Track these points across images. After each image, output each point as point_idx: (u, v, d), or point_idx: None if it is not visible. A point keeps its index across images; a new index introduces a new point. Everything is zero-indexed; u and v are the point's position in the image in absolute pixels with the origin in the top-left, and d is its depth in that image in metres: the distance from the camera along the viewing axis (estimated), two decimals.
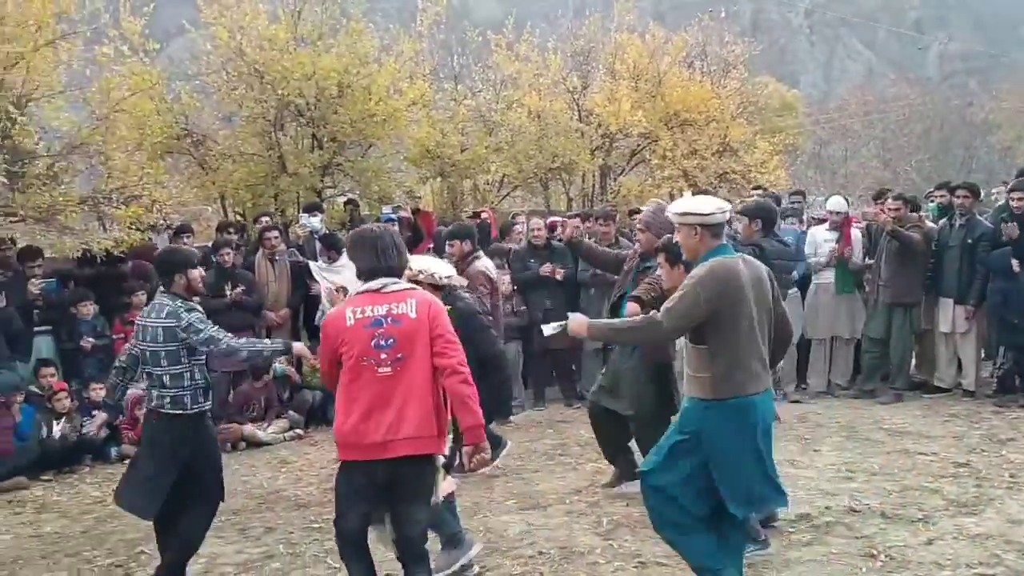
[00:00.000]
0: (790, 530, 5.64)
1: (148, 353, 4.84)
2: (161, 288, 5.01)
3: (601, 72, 14.81)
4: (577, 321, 4.43)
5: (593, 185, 14.68)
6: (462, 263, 6.90)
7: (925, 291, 9.08)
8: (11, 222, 8.55)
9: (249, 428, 8.44)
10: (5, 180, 7.86)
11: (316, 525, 6.02)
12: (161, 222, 9.31)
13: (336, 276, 8.38)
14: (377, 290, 4.15)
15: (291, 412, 8.81)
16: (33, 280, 7.99)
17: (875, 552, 5.23)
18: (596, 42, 14.88)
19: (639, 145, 14.60)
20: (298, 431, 8.65)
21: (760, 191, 10.94)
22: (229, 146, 11.33)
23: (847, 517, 5.86)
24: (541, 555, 5.40)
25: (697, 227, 4.19)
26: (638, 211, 10.95)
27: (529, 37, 14.04)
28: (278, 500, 6.59)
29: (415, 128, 12.31)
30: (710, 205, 4.23)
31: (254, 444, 8.35)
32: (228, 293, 8.70)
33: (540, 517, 6.04)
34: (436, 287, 5.10)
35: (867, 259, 9.35)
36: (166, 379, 4.82)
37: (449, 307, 4.60)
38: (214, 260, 8.98)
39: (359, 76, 11.23)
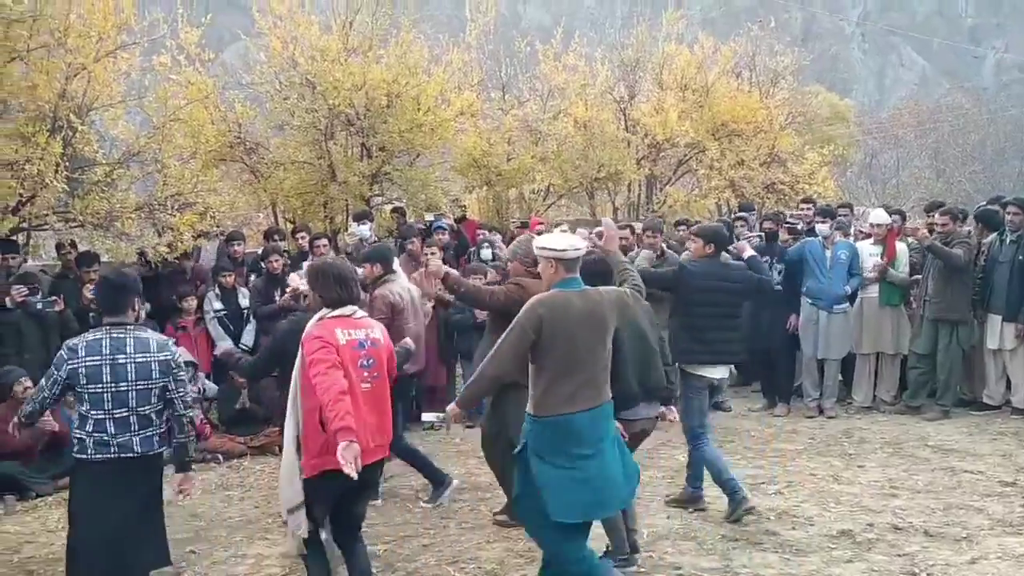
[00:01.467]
0: (831, 546, 5.64)
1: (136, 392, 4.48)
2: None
3: (648, 82, 14.83)
4: (449, 409, 4.89)
5: (639, 195, 14.71)
6: (372, 286, 6.94)
7: (972, 307, 8.97)
8: (71, 227, 8.81)
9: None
10: (66, 187, 8.09)
11: (364, 529, 6.11)
12: (214, 229, 9.52)
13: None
14: (349, 316, 4.59)
15: None
16: (88, 285, 8.20)
17: (917, 571, 5.22)
18: (644, 52, 14.90)
19: (686, 155, 14.60)
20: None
21: (809, 203, 10.86)
22: (281, 154, 11.54)
23: (890, 534, 5.85)
24: None
25: (553, 260, 4.62)
26: (685, 222, 11.01)
27: (577, 47, 14.09)
28: None
29: (462, 138, 12.44)
30: (565, 243, 4.68)
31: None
32: (277, 299, 8.86)
33: None
34: None
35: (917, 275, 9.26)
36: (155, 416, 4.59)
37: None
38: (263, 267, 9.17)
39: (408, 86, 11.38)
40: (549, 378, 4.50)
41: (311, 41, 11.36)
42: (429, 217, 11.04)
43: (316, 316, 4.63)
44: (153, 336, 4.64)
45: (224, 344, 8.67)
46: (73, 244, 9.01)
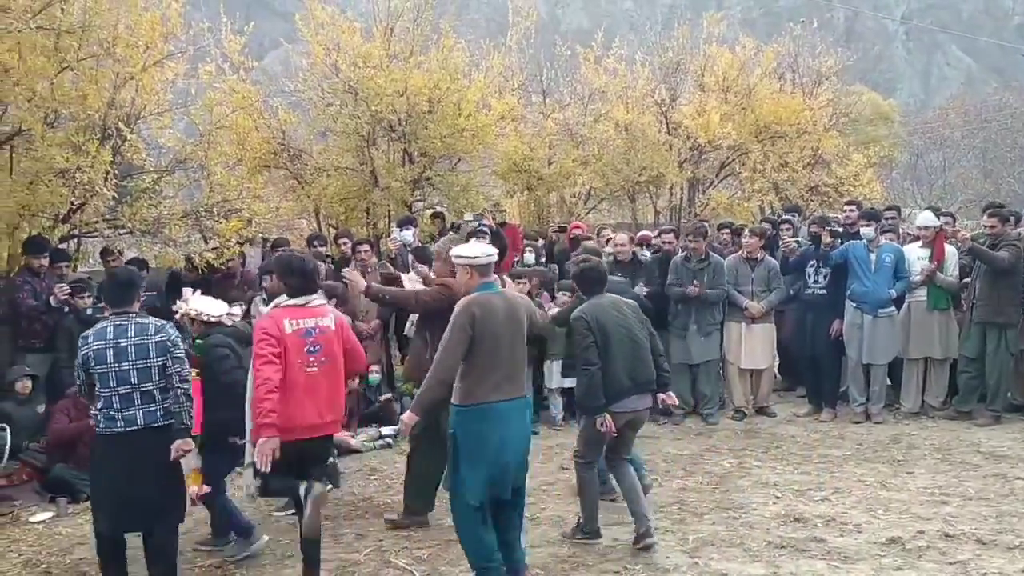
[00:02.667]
0: (880, 554, 5.57)
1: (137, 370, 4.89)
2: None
3: (690, 84, 14.74)
4: (403, 418, 5.23)
5: (681, 198, 14.62)
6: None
7: (1022, 310, 8.79)
8: (119, 234, 8.96)
9: (341, 435, 8.60)
10: (115, 194, 8.23)
11: (405, 533, 6.14)
12: (260, 235, 9.62)
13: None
14: (303, 305, 5.15)
15: (377, 425, 8.94)
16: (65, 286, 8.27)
17: None
18: (685, 54, 14.82)
19: (728, 158, 14.49)
20: (388, 440, 8.81)
21: (853, 205, 10.72)
22: (324, 160, 11.65)
23: (940, 542, 5.75)
24: (627, 570, 5.43)
25: (469, 268, 5.16)
26: (729, 225, 10.92)
27: (618, 50, 14.06)
28: (368, 508, 6.74)
29: (503, 142, 12.46)
30: (479, 251, 5.23)
31: (344, 452, 8.52)
32: None
33: (625, 533, 6.05)
34: (207, 323, 5.88)
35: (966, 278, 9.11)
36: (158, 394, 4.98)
37: (201, 339, 5.82)
38: None
39: (449, 92, 11.44)
40: (478, 372, 4.97)
41: (353, 48, 11.45)
42: (468, 217, 11.06)
43: (272, 304, 5.23)
44: (152, 321, 5.07)
45: None
46: (120, 251, 9.14)
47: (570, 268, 9.40)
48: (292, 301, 5.15)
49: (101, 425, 4.92)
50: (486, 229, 10.21)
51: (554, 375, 9.04)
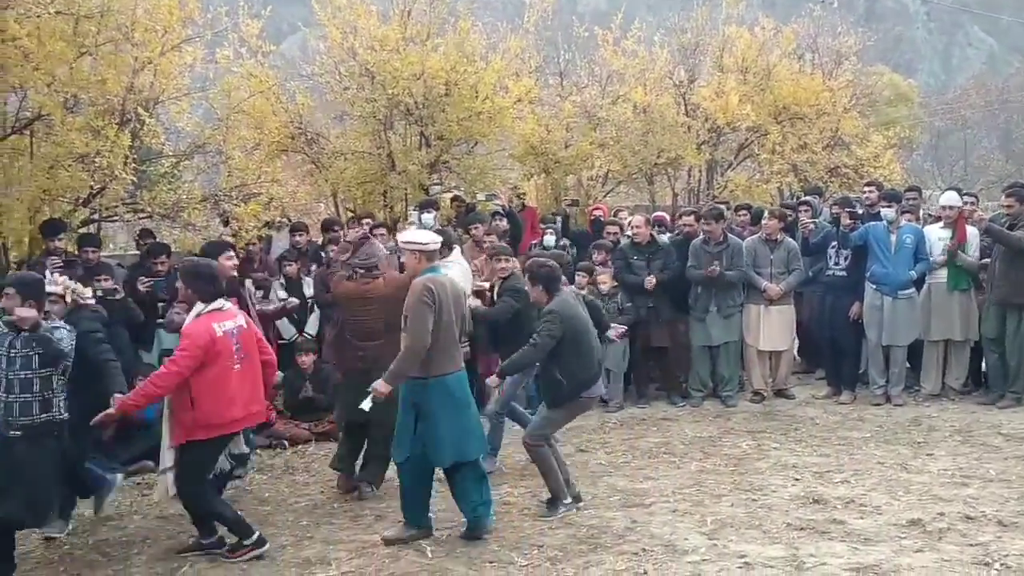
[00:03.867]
0: (901, 536, 5.55)
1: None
2: None
3: (708, 66, 14.62)
4: (376, 386, 5.55)
5: (699, 180, 14.53)
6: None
7: None
8: (139, 218, 9.01)
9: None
10: (134, 178, 8.27)
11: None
12: (280, 219, 9.64)
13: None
14: (219, 308, 5.52)
15: None
16: (142, 278, 8.30)
17: (990, 561, 5.11)
18: (704, 35, 14.70)
19: (747, 139, 14.36)
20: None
21: (873, 186, 10.63)
22: (341, 144, 11.63)
23: (961, 524, 5.73)
24: (645, 552, 5.44)
25: (418, 253, 5.71)
26: (747, 207, 10.87)
27: (636, 32, 13.96)
28: (387, 490, 6.76)
29: (520, 125, 12.41)
30: (427, 238, 5.81)
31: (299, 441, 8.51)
32: None
33: (644, 514, 6.08)
34: (78, 305, 6.16)
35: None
36: None
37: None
38: (323, 256, 9.27)
39: (466, 74, 11.38)
40: (438, 346, 5.52)
41: (370, 31, 11.40)
42: (481, 197, 11.04)
43: (193, 312, 5.52)
44: None
45: None
46: (151, 233, 9.19)
47: (592, 251, 9.43)
48: (212, 307, 5.50)
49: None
50: (502, 210, 10.25)
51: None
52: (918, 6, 66.64)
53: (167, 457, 5.50)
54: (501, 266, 7.54)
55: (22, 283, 5.55)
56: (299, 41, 14.11)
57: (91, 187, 8.23)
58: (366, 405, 5.60)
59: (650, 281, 8.99)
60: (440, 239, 5.97)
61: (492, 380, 6.51)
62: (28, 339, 5.34)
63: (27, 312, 5.38)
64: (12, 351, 5.31)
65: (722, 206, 10.34)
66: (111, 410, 5.33)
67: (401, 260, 6.89)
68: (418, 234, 5.91)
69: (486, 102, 11.41)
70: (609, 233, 9.90)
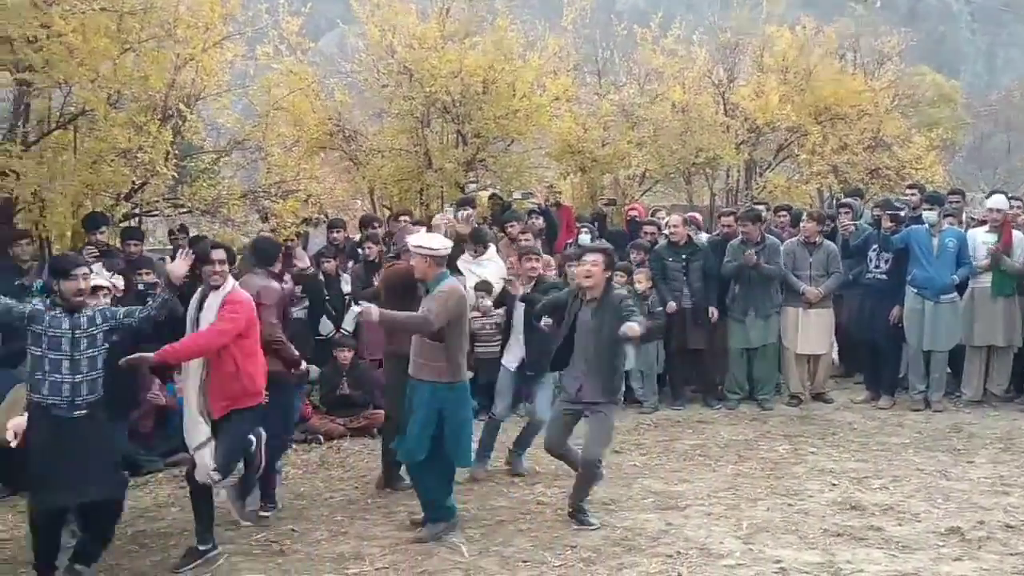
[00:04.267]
0: (939, 544, 5.48)
1: None
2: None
3: (748, 65, 14.50)
4: (367, 308, 5.41)
5: (738, 180, 14.42)
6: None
7: None
8: (179, 213, 9.09)
9: None
10: (175, 174, 8.35)
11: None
12: (317, 215, 9.69)
13: (481, 269, 8.49)
14: None
15: None
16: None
17: None
18: (743, 35, 14.58)
19: (787, 140, 14.22)
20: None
21: (915, 189, 10.48)
22: (378, 142, 11.68)
23: (1001, 532, 5.65)
24: (679, 555, 5.40)
25: (428, 258, 5.62)
26: (787, 208, 10.76)
27: (676, 31, 13.88)
28: None
29: (557, 123, 12.39)
30: (439, 243, 5.74)
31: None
32: (375, 283, 8.97)
33: (678, 517, 6.04)
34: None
35: None
36: None
37: None
38: (360, 253, 9.31)
39: (503, 72, 11.39)
40: (462, 352, 5.73)
41: (408, 29, 11.45)
42: (517, 195, 11.02)
43: (229, 283, 5.50)
44: None
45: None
46: (184, 229, 9.29)
47: (630, 251, 9.37)
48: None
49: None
50: (537, 208, 10.23)
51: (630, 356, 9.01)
52: (961, 6, 65.55)
53: (200, 432, 5.41)
54: (530, 265, 7.42)
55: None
56: (337, 38, 14.16)
57: (133, 182, 8.30)
58: (349, 324, 5.71)
59: (671, 306, 8.95)
60: (451, 245, 5.94)
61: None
62: (92, 317, 5.29)
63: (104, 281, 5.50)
64: (77, 331, 5.28)
65: (760, 207, 10.26)
66: (149, 355, 5.28)
67: None
68: (429, 238, 5.84)
69: (523, 100, 11.42)
70: (646, 233, 9.84)
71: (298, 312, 8.25)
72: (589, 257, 5.93)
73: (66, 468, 5.05)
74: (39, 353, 5.13)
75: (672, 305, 9.00)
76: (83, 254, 7.32)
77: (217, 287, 5.46)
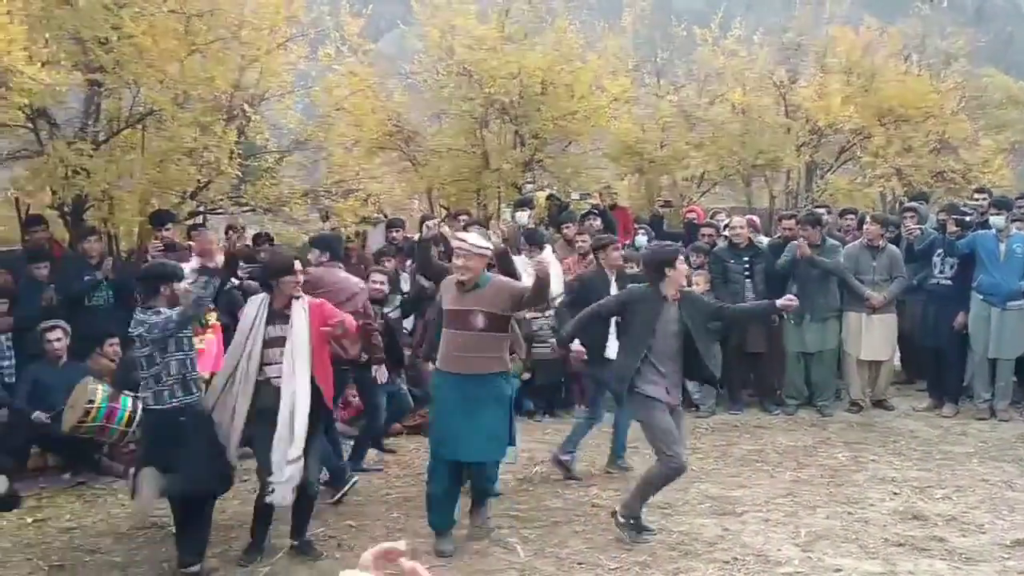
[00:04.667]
0: (1005, 556, 5.36)
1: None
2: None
3: (810, 66, 14.30)
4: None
5: (798, 182, 14.22)
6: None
7: None
8: (243, 211, 9.27)
9: None
10: (239, 173, 8.51)
11: (513, 512, 6.21)
12: (375, 215, 9.80)
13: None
14: None
15: None
16: (241, 264, 8.51)
17: None
18: (806, 35, 14.38)
19: (849, 142, 13.99)
20: None
21: (983, 193, 10.25)
22: (437, 142, 11.77)
23: None
24: (736, 561, 5.35)
25: (481, 257, 5.59)
26: (852, 211, 10.59)
27: (736, 31, 13.75)
28: None
29: (616, 124, 12.36)
30: (488, 244, 5.77)
31: None
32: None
33: (735, 523, 5.98)
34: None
35: None
36: None
37: None
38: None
39: (562, 74, 11.39)
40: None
41: (468, 30, 11.51)
42: (575, 196, 11.02)
43: None
44: None
45: None
46: (243, 228, 9.45)
47: (689, 253, 9.29)
48: None
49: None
50: (595, 210, 10.21)
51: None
52: None
53: (296, 448, 5.26)
54: (616, 255, 7.44)
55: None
56: (396, 38, 14.30)
57: (198, 181, 8.50)
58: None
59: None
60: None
61: None
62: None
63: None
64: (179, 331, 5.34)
65: (821, 211, 10.10)
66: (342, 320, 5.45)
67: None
68: (481, 239, 5.80)
69: (582, 101, 11.41)
70: (704, 235, 9.77)
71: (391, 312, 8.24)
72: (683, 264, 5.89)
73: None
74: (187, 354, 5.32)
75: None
76: (150, 248, 7.51)
77: (299, 297, 5.49)
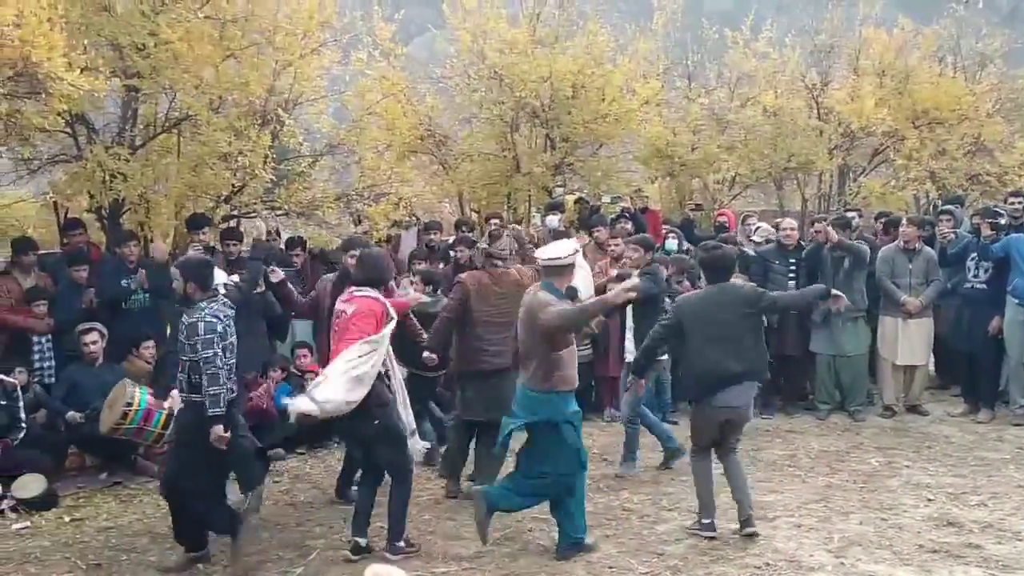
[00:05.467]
0: None
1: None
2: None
3: (843, 68, 14.18)
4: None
5: (831, 185, 14.11)
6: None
7: None
8: (276, 215, 9.36)
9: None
10: (273, 177, 8.59)
11: (543, 516, 6.21)
12: (408, 218, 9.84)
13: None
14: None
15: None
16: (274, 266, 8.59)
17: None
18: (838, 37, 14.26)
19: (882, 144, 13.85)
20: None
21: (1018, 196, 10.12)
22: (468, 146, 11.81)
23: None
24: (768, 567, 5.35)
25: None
26: (887, 214, 10.49)
27: (767, 33, 13.67)
28: None
29: (647, 127, 12.33)
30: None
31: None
32: None
33: (767, 528, 5.96)
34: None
35: None
36: None
37: None
38: (452, 255, 9.42)
39: (593, 77, 11.39)
40: None
41: (499, 34, 11.52)
42: (607, 199, 11.01)
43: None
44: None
45: None
46: (278, 232, 9.54)
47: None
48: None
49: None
50: (627, 213, 10.21)
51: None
52: None
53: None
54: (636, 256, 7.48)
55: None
56: (426, 42, 14.34)
57: (233, 185, 8.59)
58: None
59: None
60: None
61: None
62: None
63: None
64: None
65: (852, 214, 10.01)
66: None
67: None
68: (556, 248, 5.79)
69: (612, 104, 11.40)
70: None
71: None
72: None
73: None
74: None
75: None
76: (190, 251, 7.61)
77: None
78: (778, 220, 9.93)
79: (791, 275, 8.98)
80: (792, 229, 9.23)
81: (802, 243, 9.29)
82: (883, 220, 10.27)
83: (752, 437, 8.35)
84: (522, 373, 5.60)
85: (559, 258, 5.53)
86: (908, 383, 9.19)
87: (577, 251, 5.68)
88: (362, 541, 5.60)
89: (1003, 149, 13.76)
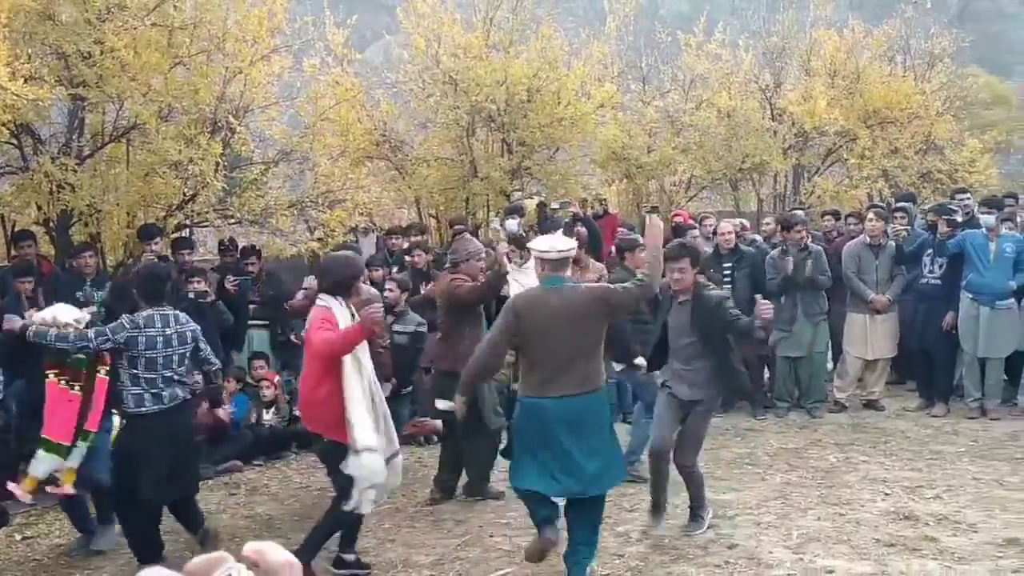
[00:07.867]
0: (998, 555, 5.35)
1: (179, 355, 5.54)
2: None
3: (795, 69, 14.35)
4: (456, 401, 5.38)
5: (785, 186, 14.26)
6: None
7: None
8: (229, 224, 9.25)
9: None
10: (225, 185, 8.49)
11: (504, 520, 6.19)
12: (365, 224, 9.77)
13: (525, 277, 8.50)
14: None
15: None
16: (229, 276, 8.50)
17: None
18: (790, 38, 14.43)
19: (835, 144, 14.04)
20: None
21: (964, 193, 10.28)
22: (424, 151, 11.77)
23: None
24: (728, 565, 5.34)
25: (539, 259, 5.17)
26: (834, 213, 10.60)
27: (720, 36, 13.79)
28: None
29: (602, 130, 12.38)
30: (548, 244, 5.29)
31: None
32: (422, 291, 9.01)
33: (727, 527, 5.97)
34: None
35: None
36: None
37: None
38: (407, 261, 9.36)
39: (548, 81, 11.42)
40: (526, 367, 5.10)
41: (453, 38, 11.52)
42: (555, 205, 11.01)
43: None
44: (178, 312, 5.63)
45: None
46: (233, 241, 9.42)
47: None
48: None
49: (147, 404, 5.38)
50: (579, 218, 10.20)
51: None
52: (1016, 6, 64.24)
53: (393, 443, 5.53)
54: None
55: None
56: (382, 48, 14.31)
57: (184, 193, 8.47)
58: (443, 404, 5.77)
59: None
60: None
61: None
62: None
63: None
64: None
65: (799, 212, 10.07)
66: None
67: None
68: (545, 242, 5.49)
69: (568, 108, 11.43)
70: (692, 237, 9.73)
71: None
72: (678, 262, 5.69)
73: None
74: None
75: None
76: (143, 262, 7.48)
77: None
78: (714, 225, 9.93)
79: (726, 279, 8.99)
80: (729, 232, 9.22)
81: (740, 247, 9.28)
82: (829, 218, 10.36)
83: (712, 436, 8.32)
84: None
85: (549, 252, 5.15)
86: (868, 376, 9.26)
87: (572, 248, 5.27)
88: (348, 557, 5.52)
89: (953, 147, 14.01)
